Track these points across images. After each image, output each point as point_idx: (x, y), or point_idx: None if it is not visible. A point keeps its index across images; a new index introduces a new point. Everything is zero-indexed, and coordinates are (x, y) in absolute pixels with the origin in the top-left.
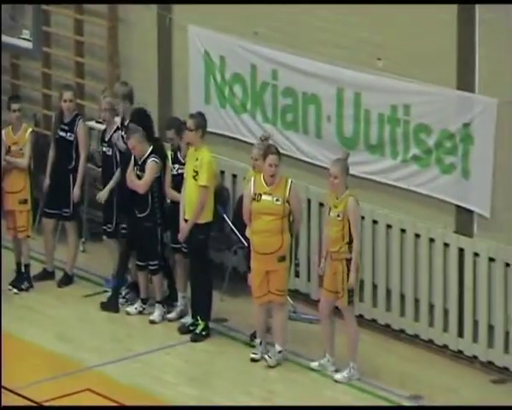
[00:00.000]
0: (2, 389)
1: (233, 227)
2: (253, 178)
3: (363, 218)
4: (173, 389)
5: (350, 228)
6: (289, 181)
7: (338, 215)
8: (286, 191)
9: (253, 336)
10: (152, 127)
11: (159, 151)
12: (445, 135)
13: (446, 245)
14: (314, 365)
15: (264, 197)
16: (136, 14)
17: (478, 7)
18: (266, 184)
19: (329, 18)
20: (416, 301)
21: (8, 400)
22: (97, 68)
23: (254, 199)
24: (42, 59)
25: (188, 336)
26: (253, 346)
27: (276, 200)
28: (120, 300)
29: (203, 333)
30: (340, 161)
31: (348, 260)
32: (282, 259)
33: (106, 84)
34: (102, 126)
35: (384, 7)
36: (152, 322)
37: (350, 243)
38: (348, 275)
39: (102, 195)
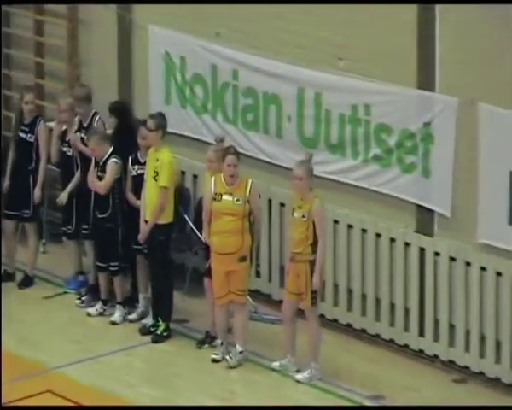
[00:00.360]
0: None
1: (194, 228)
2: (213, 178)
3: None
4: (134, 390)
5: (314, 229)
6: (249, 181)
7: (303, 216)
8: (246, 191)
9: (208, 337)
10: (131, 121)
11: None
12: (405, 134)
13: (407, 245)
14: (275, 365)
15: (224, 197)
16: (96, 15)
17: (438, 7)
18: (227, 184)
19: (290, 18)
20: (377, 300)
21: None
22: (57, 69)
23: (215, 199)
24: (1, 60)
25: (149, 337)
26: (201, 348)
27: (237, 200)
28: (77, 301)
29: (164, 334)
30: (304, 162)
31: (312, 262)
32: (243, 259)
33: (66, 85)
34: (63, 127)
35: (345, 7)
36: (113, 323)
37: (313, 244)
38: (312, 276)
39: (63, 197)
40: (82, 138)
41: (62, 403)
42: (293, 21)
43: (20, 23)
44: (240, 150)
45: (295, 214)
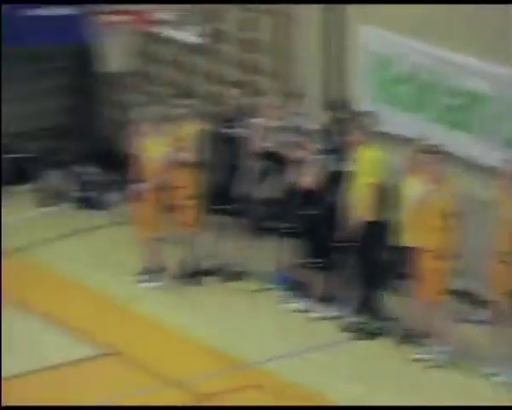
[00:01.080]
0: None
1: (398, 226)
2: (416, 177)
3: None
4: (336, 388)
5: None
6: (451, 180)
7: None
8: (448, 190)
9: (411, 336)
10: (345, 118)
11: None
12: None
13: None
14: (486, 370)
15: (424, 195)
16: (304, 12)
17: None
18: (428, 182)
19: (498, 20)
20: None
21: (173, 393)
22: (265, 65)
23: (417, 197)
24: (210, 55)
25: (352, 335)
26: (404, 347)
27: (438, 198)
28: (280, 297)
29: (368, 332)
30: None
31: None
32: (443, 257)
33: (273, 81)
34: (269, 123)
35: None
36: (316, 319)
37: None
38: None
39: (268, 193)
40: (288, 137)
41: (265, 399)
42: (499, 24)
43: (228, 18)
44: (445, 150)
45: (504, 214)
